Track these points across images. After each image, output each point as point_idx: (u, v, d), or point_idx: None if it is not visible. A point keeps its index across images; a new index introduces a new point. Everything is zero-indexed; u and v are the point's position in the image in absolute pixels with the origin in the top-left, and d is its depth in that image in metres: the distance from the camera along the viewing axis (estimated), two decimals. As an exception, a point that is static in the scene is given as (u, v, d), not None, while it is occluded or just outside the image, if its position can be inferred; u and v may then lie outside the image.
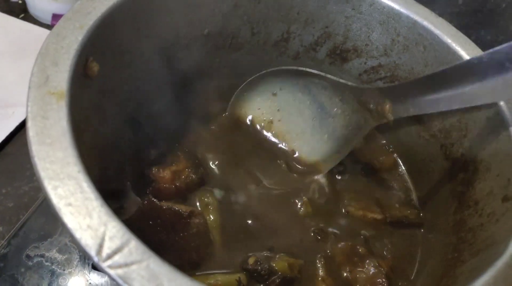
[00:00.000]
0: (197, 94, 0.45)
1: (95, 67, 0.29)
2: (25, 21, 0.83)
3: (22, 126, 0.67)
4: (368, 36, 0.43)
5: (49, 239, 0.47)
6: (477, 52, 0.37)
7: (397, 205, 0.42)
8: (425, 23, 0.39)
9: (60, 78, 0.26)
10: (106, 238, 0.20)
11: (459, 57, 0.37)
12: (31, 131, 0.23)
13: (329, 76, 0.42)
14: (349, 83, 0.42)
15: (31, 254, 0.46)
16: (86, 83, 0.29)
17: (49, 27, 0.82)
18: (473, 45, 0.38)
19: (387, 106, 0.37)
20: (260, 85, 0.44)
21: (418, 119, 0.42)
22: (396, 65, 0.43)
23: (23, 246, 0.46)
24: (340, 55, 0.46)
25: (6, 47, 0.78)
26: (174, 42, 0.40)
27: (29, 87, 0.25)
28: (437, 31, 0.38)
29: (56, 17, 0.82)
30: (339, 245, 0.38)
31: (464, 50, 0.37)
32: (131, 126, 0.38)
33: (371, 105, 0.39)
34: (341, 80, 0.42)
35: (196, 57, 0.43)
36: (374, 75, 0.45)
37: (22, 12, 0.86)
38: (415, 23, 0.39)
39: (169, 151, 0.40)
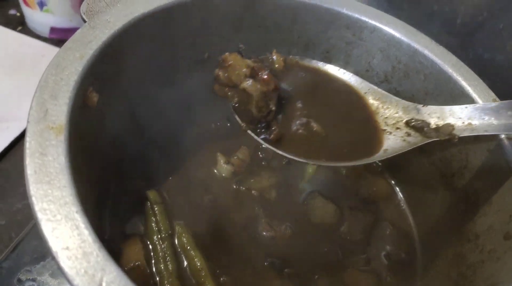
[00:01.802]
0: (198, 115, 0.44)
1: (94, 97, 0.29)
2: (23, 33, 0.83)
3: (16, 142, 0.66)
4: (369, 62, 0.43)
5: (41, 263, 0.46)
6: (478, 82, 0.37)
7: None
8: (426, 51, 0.39)
9: (59, 111, 0.25)
10: (104, 284, 0.20)
11: (460, 87, 0.37)
12: (29, 169, 0.22)
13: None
14: (402, 100, 0.39)
15: (23, 278, 0.45)
16: (85, 113, 0.28)
17: (46, 40, 0.82)
18: (474, 75, 0.38)
19: (451, 126, 0.34)
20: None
21: (419, 147, 0.42)
22: (396, 91, 0.43)
23: (15, 270, 0.45)
24: (341, 80, 0.46)
25: (2, 61, 0.77)
26: (174, 66, 0.40)
27: (28, 122, 0.24)
28: (438, 61, 0.38)
29: (54, 30, 0.81)
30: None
31: (465, 80, 0.37)
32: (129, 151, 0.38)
33: (427, 125, 0.36)
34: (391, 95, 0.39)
35: (195, 79, 0.43)
36: (374, 101, 0.45)
37: (19, 25, 0.86)
38: (415, 51, 0.39)
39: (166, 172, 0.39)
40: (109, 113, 0.32)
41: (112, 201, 0.36)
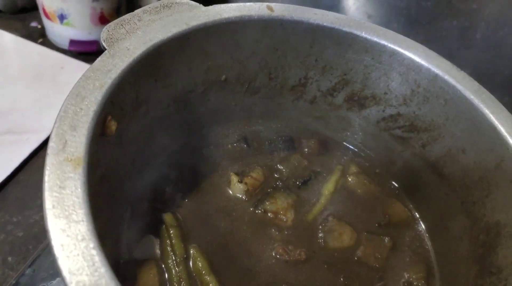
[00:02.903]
0: (214, 136, 0.44)
1: (113, 125, 0.29)
2: (43, 46, 0.84)
3: (35, 153, 0.67)
4: (387, 85, 0.42)
5: (57, 279, 0.47)
6: (500, 109, 0.36)
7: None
8: (447, 77, 0.38)
9: (78, 143, 0.25)
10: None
11: (482, 113, 0.36)
12: (48, 203, 0.23)
13: None
14: None
15: (39, 294, 0.45)
16: (103, 142, 0.29)
17: (66, 52, 0.84)
18: (496, 101, 0.37)
19: None
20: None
21: (439, 172, 0.41)
22: (415, 115, 0.42)
23: (32, 285, 0.46)
24: (358, 102, 0.45)
25: (23, 72, 0.79)
26: (191, 89, 0.40)
27: (47, 154, 0.24)
28: (459, 86, 0.37)
29: (73, 43, 0.83)
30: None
31: (487, 107, 0.36)
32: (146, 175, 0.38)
33: None
34: None
35: (212, 101, 0.43)
36: (392, 123, 0.44)
37: (40, 37, 0.88)
38: (436, 76, 0.39)
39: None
40: (125, 138, 0.33)
41: (127, 225, 0.37)
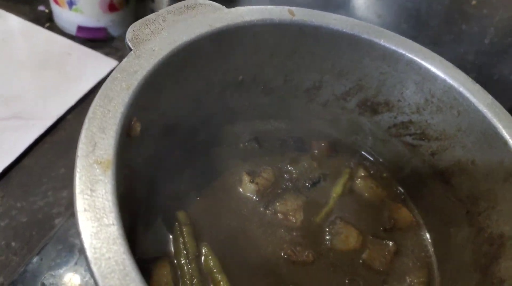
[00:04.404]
0: (227, 135, 0.45)
1: (138, 127, 0.30)
2: (51, 30, 0.84)
3: (40, 139, 0.67)
4: (402, 93, 0.43)
5: (64, 268, 0.48)
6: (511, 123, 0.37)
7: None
8: (462, 89, 0.39)
9: (107, 145, 0.26)
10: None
11: (493, 127, 0.37)
12: (79, 206, 0.23)
13: None
14: None
15: (46, 282, 0.46)
16: (128, 143, 0.29)
17: (73, 38, 0.83)
18: (508, 116, 0.37)
19: None
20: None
21: (446, 181, 0.42)
22: (427, 124, 0.43)
23: (39, 274, 0.47)
24: (371, 107, 0.46)
25: (30, 58, 0.78)
26: (209, 89, 0.40)
27: (77, 156, 0.25)
28: (473, 99, 0.38)
29: (81, 29, 0.82)
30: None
31: (500, 121, 0.37)
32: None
33: None
34: None
35: (227, 101, 0.43)
36: (403, 130, 0.45)
37: (48, 22, 0.87)
38: (451, 87, 0.39)
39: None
40: (147, 138, 0.33)
41: (142, 223, 0.37)
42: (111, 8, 0.81)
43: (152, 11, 0.81)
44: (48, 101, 0.71)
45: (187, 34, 0.34)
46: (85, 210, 0.23)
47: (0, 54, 0.77)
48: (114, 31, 0.86)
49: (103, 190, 0.24)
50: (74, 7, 0.79)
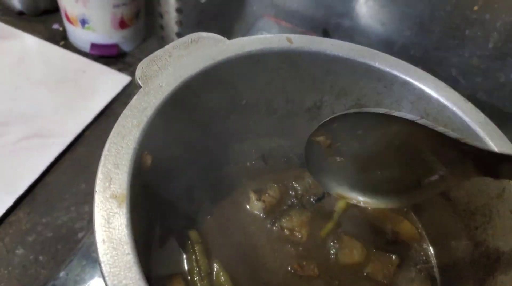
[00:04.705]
0: (235, 154, 0.47)
1: (149, 159, 0.32)
2: (65, 48, 0.87)
3: (60, 157, 0.71)
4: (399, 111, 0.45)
5: (88, 282, 0.51)
6: (504, 141, 0.39)
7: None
8: (455, 108, 0.41)
9: (121, 180, 0.29)
10: None
11: (486, 144, 0.39)
12: (98, 238, 0.26)
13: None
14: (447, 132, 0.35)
15: (71, 297, 0.50)
16: (140, 176, 0.32)
17: (87, 55, 0.87)
18: (500, 134, 0.39)
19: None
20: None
21: (445, 195, 0.44)
22: (424, 141, 0.44)
23: (64, 289, 0.50)
24: (370, 124, 0.48)
25: (46, 75, 0.82)
26: (214, 115, 0.43)
27: (95, 191, 0.28)
28: (465, 118, 0.40)
29: (94, 46, 0.86)
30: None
31: (492, 139, 0.39)
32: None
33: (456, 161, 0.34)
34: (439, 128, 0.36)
35: (232, 123, 0.46)
36: (402, 146, 0.47)
37: (62, 40, 0.90)
38: (444, 107, 0.41)
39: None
40: (156, 167, 0.36)
41: (157, 242, 0.40)
42: (122, 25, 0.85)
43: (161, 26, 0.84)
44: (66, 119, 0.75)
45: (192, 68, 0.36)
46: (103, 241, 0.26)
47: (17, 72, 0.81)
48: (125, 47, 0.89)
49: (119, 222, 0.27)
50: (86, 25, 0.83)
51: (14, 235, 0.60)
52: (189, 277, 0.39)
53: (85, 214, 0.64)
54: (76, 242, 0.60)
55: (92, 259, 0.53)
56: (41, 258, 0.59)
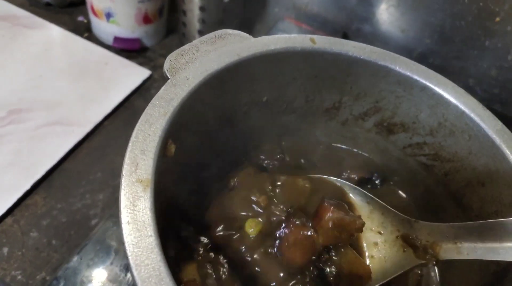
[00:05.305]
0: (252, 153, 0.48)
1: (172, 148, 0.34)
2: (89, 40, 0.89)
3: (79, 144, 0.72)
4: (416, 116, 0.46)
5: (101, 266, 0.52)
6: (520, 149, 0.39)
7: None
8: (473, 115, 0.41)
9: (147, 166, 0.30)
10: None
11: (502, 152, 0.39)
12: (124, 219, 0.27)
13: (377, 199, 0.44)
14: (398, 213, 0.42)
15: (85, 280, 0.51)
16: (164, 163, 0.33)
17: (110, 48, 0.89)
18: (517, 142, 0.40)
19: (439, 246, 0.37)
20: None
21: (458, 201, 0.44)
22: (440, 146, 0.45)
23: (79, 271, 0.51)
24: (387, 128, 0.49)
25: (69, 66, 0.84)
26: (236, 109, 0.44)
27: (122, 175, 0.29)
28: (483, 125, 0.40)
29: (117, 39, 0.88)
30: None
31: (508, 147, 0.39)
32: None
33: (418, 241, 0.39)
34: (389, 207, 0.43)
35: (252, 119, 0.47)
36: (418, 150, 0.48)
37: (86, 31, 0.93)
38: (463, 113, 0.42)
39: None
40: (177, 158, 0.37)
41: (175, 232, 0.41)
42: (146, 20, 0.86)
43: (184, 23, 0.86)
44: (86, 108, 0.77)
45: (218, 63, 0.37)
46: (128, 222, 0.27)
47: (42, 62, 0.83)
48: (147, 42, 0.91)
49: (143, 205, 0.28)
50: (111, 19, 0.85)
51: (30, 218, 0.61)
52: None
53: (100, 201, 0.65)
54: (89, 229, 0.62)
55: (106, 245, 0.54)
56: (54, 242, 0.60)
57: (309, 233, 0.37)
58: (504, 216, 0.39)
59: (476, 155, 0.42)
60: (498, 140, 0.40)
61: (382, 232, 0.42)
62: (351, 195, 0.44)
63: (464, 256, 0.35)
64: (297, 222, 0.38)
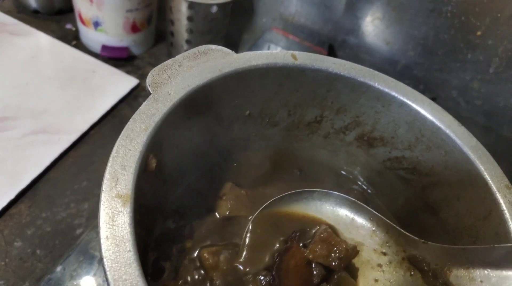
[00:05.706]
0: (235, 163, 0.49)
1: (153, 163, 0.34)
2: (77, 48, 0.90)
3: (65, 153, 0.72)
4: (395, 131, 0.47)
5: (84, 277, 0.52)
6: (493, 166, 0.40)
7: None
8: (448, 131, 0.42)
9: (127, 181, 0.30)
10: None
11: (476, 168, 0.40)
12: (102, 234, 0.28)
13: (380, 216, 0.42)
14: (404, 232, 0.39)
15: (68, 289, 0.51)
16: (144, 178, 0.34)
17: (98, 56, 0.89)
18: (490, 158, 0.41)
19: (449, 271, 0.34)
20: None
21: (435, 214, 0.45)
22: (418, 160, 0.46)
23: (62, 282, 0.51)
24: (367, 141, 0.50)
25: (57, 74, 0.84)
26: (218, 123, 0.45)
27: (102, 190, 0.30)
28: (458, 141, 0.42)
29: (105, 48, 0.88)
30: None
31: (482, 163, 0.40)
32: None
33: (426, 264, 0.36)
34: (394, 225, 0.40)
35: (235, 133, 0.48)
36: (397, 164, 0.49)
37: (74, 39, 0.93)
38: (438, 129, 0.43)
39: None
40: (159, 170, 0.38)
41: (155, 246, 0.42)
42: (134, 29, 0.87)
43: (172, 33, 0.86)
44: (73, 116, 0.77)
45: (200, 78, 0.38)
46: (107, 238, 0.28)
47: (29, 69, 0.83)
48: (135, 51, 0.92)
49: (122, 221, 0.29)
50: (99, 27, 0.85)
51: (14, 228, 0.61)
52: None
53: (85, 211, 0.65)
54: (73, 238, 0.62)
55: (89, 256, 0.54)
56: (38, 252, 0.60)
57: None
58: (480, 230, 0.40)
59: (451, 170, 0.43)
60: (472, 156, 0.41)
61: (386, 252, 0.39)
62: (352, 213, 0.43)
63: (478, 283, 0.33)
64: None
